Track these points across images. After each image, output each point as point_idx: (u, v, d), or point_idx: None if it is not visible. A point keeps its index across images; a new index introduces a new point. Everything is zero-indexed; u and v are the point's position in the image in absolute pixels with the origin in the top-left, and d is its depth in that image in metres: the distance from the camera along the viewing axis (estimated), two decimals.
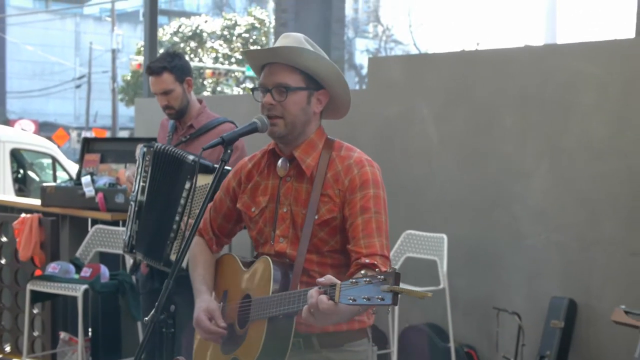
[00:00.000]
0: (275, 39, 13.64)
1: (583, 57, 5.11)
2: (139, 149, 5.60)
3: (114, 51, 32.37)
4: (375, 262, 2.29)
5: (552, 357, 4.85)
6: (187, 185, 3.72)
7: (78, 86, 40.76)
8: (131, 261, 5.08)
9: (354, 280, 1.97)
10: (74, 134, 36.22)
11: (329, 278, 2.08)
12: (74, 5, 43.30)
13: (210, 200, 2.57)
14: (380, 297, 1.91)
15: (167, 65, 4.02)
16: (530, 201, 5.23)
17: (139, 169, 3.96)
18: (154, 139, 4.45)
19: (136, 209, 3.93)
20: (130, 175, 4.22)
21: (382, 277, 1.92)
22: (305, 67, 2.41)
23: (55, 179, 9.69)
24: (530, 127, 5.28)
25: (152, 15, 7.70)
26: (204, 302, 2.49)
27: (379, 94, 5.93)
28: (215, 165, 3.71)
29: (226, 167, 2.46)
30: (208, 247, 2.68)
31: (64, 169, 9.86)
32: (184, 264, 2.61)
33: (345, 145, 2.50)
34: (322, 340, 2.43)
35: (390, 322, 5.21)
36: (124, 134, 33.62)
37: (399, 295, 1.90)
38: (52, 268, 5.03)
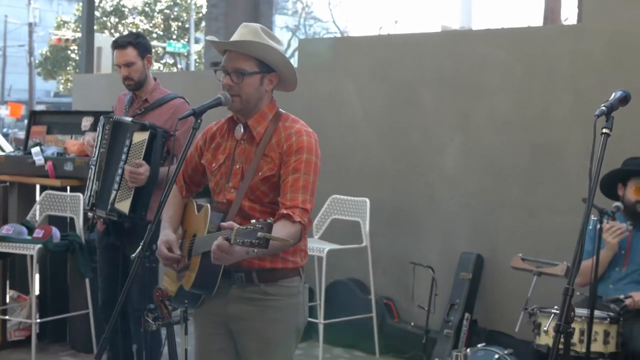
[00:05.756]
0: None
1: (491, 42, 5.56)
2: (85, 120, 5.96)
3: (30, 25, 31.79)
4: (292, 213, 2.73)
5: (461, 305, 5.32)
6: (127, 142, 4.20)
7: None
8: (81, 222, 5.47)
9: (246, 227, 2.46)
10: None
11: (230, 224, 2.53)
12: None
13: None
14: (257, 241, 2.41)
15: (132, 40, 4.41)
16: (444, 169, 5.68)
17: (99, 137, 4.38)
18: (99, 112, 4.78)
19: (96, 171, 4.37)
20: (91, 140, 4.61)
21: (260, 226, 2.43)
22: (258, 56, 2.88)
23: None
24: (444, 103, 5.71)
25: None
26: (165, 235, 2.95)
27: (309, 73, 6.17)
28: (148, 123, 4.23)
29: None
30: (179, 193, 3.16)
31: None
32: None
33: (291, 118, 2.99)
34: (260, 276, 2.88)
35: (317, 277, 5.59)
36: (41, 107, 33.07)
37: (269, 240, 2.40)
38: (6, 230, 5.32)
